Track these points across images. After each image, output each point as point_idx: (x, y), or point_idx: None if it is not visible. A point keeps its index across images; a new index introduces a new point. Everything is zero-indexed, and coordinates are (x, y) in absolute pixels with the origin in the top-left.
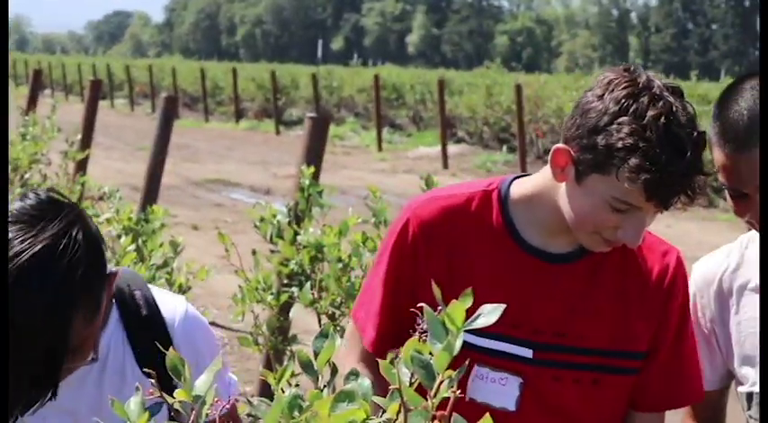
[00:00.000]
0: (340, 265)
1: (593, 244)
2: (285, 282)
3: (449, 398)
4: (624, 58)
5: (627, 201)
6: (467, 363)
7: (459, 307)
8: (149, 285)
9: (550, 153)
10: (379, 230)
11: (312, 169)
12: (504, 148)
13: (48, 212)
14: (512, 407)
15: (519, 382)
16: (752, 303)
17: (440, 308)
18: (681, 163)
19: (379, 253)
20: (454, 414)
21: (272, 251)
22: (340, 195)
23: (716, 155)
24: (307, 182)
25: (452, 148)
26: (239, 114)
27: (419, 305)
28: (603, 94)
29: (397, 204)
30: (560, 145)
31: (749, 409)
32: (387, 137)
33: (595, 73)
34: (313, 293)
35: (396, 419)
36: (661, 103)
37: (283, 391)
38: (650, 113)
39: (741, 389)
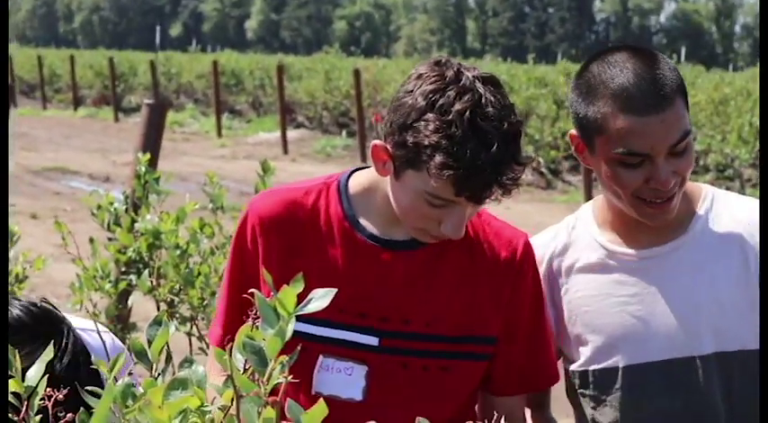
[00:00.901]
0: (178, 252)
1: (421, 236)
2: (123, 269)
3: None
4: (462, 42)
5: (439, 196)
6: (299, 348)
7: (290, 292)
8: None
9: (370, 148)
10: (216, 216)
11: (148, 156)
12: (344, 132)
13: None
14: (359, 396)
15: (365, 371)
16: (581, 283)
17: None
18: (487, 157)
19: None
20: (288, 399)
21: (110, 239)
22: (179, 182)
23: (616, 123)
24: (143, 169)
25: (292, 134)
26: (77, 102)
27: (250, 291)
28: (413, 90)
29: (237, 190)
30: (377, 141)
31: (583, 387)
32: (226, 123)
33: (433, 56)
34: (151, 281)
35: (231, 406)
36: (467, 97)
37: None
38: (455, 108)
39: (573, 367)
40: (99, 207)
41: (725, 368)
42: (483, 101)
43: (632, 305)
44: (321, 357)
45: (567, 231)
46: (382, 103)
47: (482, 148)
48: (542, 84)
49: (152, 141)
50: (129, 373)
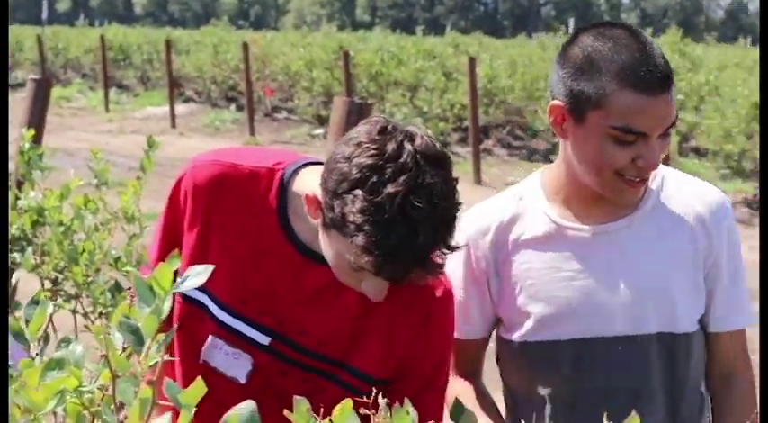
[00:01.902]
0: (62, 229)
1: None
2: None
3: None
4: (351, 15)
5: (360, 267)
6: (174, 327)
7: (166, 269)
8: None
9: (304, 199)
10: (100, 192)
11: (32, 132)
12: (233, 106)
13: None
14: (242, 379)
15: (250, 361)
16: (528, 256)
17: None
18: (412, 245)
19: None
20: (166, 378)
21: None
22: (66, 157)
23: (619, 100)
24: (27, 145)
25: (180, 108)
26: None
27: (128, 270)
28: (350, 157)
29: (125, 165)
30: (310, 194)
31: (521, 357)
32: (114, 97)
33: (323, 29)
34: (35, 258)
35: (108, 386)
36: (403, 179)
37: None
38: (388, 190)
39: (513, 337)
40: None
41: (667, 349)
42: (419, 183)
43: (579, 280)
44: (211, 337)
45: (514, 202)
46: (271, 77)
47: (408, 235)
48: (431, 56)
49: (37, 117)
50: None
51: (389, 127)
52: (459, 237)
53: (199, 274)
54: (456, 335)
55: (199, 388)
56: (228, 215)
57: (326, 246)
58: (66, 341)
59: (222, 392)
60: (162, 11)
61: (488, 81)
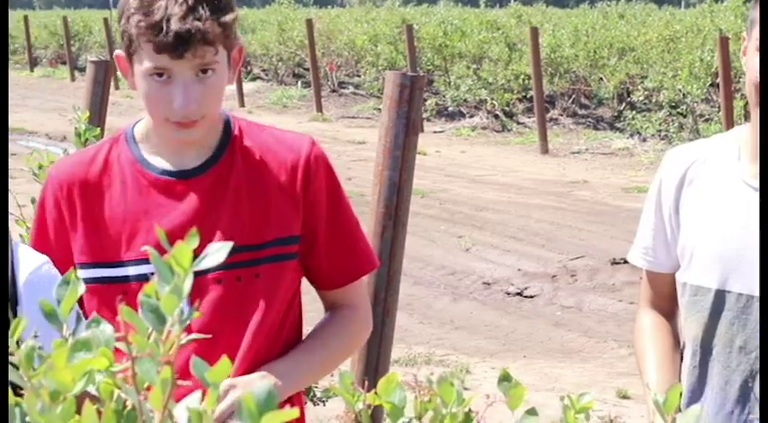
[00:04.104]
0: None
1: (171, 132)
2: None
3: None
4: None
5: (154, 66)
6: (197, 304)
7: (184, 248)
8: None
9: (116, 60)
10: None
11: (88, 113)
12: (299, 83)
13: None
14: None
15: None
16: (699, 202)
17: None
18: (171, 8)
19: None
20: (193, 356)
21: None
22: None
23: None
24: (83, 126)
25: (248, 86)
26: (33, 62)
27: (144, 248)
28: None
29: None
30: (118, 52)
31: (680, 296)
32: None
33: (387, 4)
34: None
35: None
36: None
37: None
38: None
39: (677, 274)
40: (40, 167)
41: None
42: None
43: (742, 236)
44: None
45: (708, 149)
46: (336, 53)
47: (169, 3)
48: (494, 27)
49: (98, 98)
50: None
51: None
52: (658, 172)
53: (217, 251)
54: (643, 266)
55: (225, 366)
56: (98, 188)
57: (140, 87)
58: (96, 322)
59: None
60: None
61: (552, 51)
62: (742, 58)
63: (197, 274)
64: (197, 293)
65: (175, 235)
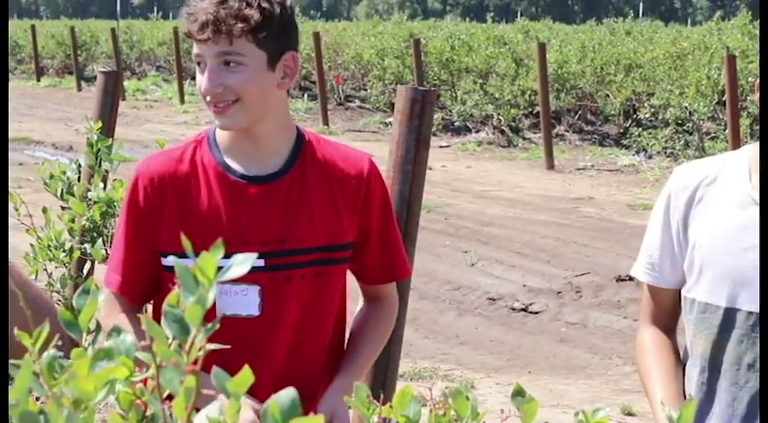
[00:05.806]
0: None
1: (217, 116)
2: (79, 238)
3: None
4: (423, 3)
5: (195, 53)
6: (219, 316)
7: (209, 259)
8: None
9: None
10: None
11: (100, 124)
12: (306, 96)
13: None
14: (256, 312)
15: (258, 290)
16: (709, 219)
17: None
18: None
19: (120, 214)
20: (214, 367)
21: (63, 208)
22: (142, 149)
23: None
24: (95, 137)
25: None
26: (40, 72)
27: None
28: None
29: None
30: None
31: (687, 313)
32: (189, 89)
33: (394, 17)
34: (105, 249)
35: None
36: None
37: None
38: None
39: (683, 291)
40: (51, 176)
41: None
42: None
43: (752, 253)
44: (218, 285)
45: (719, 166)
46: (343, 66)
47: None
48: (501, 42)
49: (108, 109)
50: None
51: None
52: (665, 187)
53: (242, 263)
54: (647, 281)
55: (247, 376)
56: (185, 185)
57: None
58: (116, 331)
59: (241, 332)
60: None
61: (559, 66)
62: (755, 94)
63: (287, 268)
64: (269, 290)
65: (250, 235)
